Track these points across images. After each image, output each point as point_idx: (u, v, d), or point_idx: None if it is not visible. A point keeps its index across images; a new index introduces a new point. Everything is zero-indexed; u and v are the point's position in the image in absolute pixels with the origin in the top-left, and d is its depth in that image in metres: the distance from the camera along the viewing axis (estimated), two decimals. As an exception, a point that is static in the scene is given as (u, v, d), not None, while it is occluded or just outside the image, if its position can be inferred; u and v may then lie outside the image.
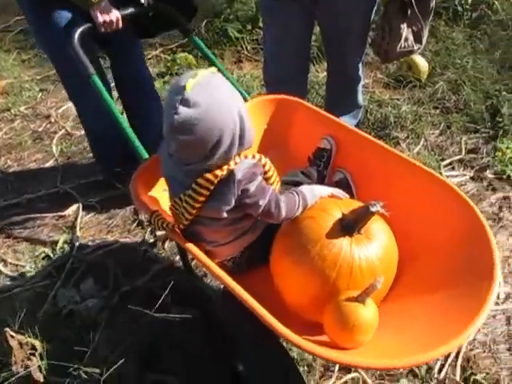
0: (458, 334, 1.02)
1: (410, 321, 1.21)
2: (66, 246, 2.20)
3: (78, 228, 2.27)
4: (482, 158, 2.54)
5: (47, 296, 1.97)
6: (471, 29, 3.58)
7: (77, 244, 2.19)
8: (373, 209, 1.16)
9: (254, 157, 1.23)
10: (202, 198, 1.20)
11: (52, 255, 2.16)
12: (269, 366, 1.36)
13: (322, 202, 1.32)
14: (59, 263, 2.11)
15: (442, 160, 2.54)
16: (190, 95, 1.08)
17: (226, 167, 1.17)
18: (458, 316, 1.10)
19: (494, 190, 2.35)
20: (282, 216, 1.25)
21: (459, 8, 3.62)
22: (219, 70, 1.84)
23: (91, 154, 2.60)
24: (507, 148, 2.49)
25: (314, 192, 1.33)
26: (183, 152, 1.18)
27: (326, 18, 2.05)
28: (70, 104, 3.23)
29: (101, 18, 1.67)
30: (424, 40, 2.13)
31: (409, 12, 2.00)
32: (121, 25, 1.75)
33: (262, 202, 1.22)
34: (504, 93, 2.83)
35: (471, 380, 1.58)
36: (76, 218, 2.34)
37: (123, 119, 1.60)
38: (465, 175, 2.45)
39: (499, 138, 2.59)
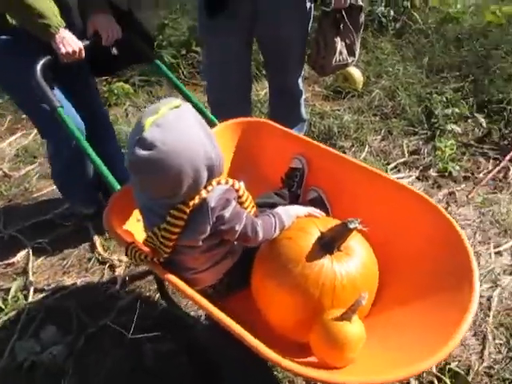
0: (447, 342, 1.04)
1: (395, 333, 1.23)
2: (19, 293, 2.06)
3: (30, 273, 2.14)
4: (424, 158, 2.67)
5: (3, 351, 1.83)
6: (397, 38, 3.79)
7: (31, 290, 2.06)
8: (351, 226, 1.17)
9: (226, 182, 1.22)
10: (177, 230, 1.17)
11: (4, 306, 2.01)
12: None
13: (299, 221, 1.32)
14: (13, 314, 1.98)
15: (388, 164, 2.64)
16: (146, 135, 1.05)
17: (197, 196, 1.15)
18: (443, 322, 1.12)
19: (440, 187, 2.47)
20: (260, 239, 1.24)
21: (383, 20, 3.82)
22: (185, 95, 1.84)
23: (35, 195, 2.48)
24: (445, 146, 2.63)
25: (290, 212, 1.32)
26: (148, 189, 1.16)
27: (266, 33, 2.08)
28: (5, 144, 3.10)
29: (63, 48, 1.61)
30: (357, 53, 2.22)
31: (341, 26, 2.08)
32: (83, 55, 1.69)
33: (238, 227, 1.20)
34: (435, 95, 3.00)
35: (446, 369, 1.63)
36: (27, 264, 2.20)
37: (92, 151, 1.55)
38: (410, 176, 2.55)
39: (437, 137, 2.74)
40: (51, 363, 1.74)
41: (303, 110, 2.49)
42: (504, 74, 3.02)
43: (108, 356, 1.79)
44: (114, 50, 1.81)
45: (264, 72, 3.17)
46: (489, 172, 2.51)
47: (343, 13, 2.03)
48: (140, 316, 1.91)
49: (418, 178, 2.54)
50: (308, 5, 2.03)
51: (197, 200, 1.15)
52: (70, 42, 1.62)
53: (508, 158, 2.57)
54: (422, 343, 1.11)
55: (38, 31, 1.61)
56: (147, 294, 2.02)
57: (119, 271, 2.14)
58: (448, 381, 1.58)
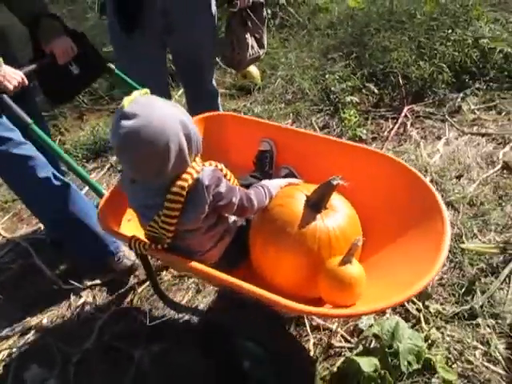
0: (430, 270, 1.23)
1: (387, 269, 1.42)
2: (-13, 344, 1.97)
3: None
4: (334, 130, 2.97)
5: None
6: (279, 33, 4.12)
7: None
8: (334, 182, 1.32)
9: (210, 164, 1.33)
10: (176, 213, 1.26)
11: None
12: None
13: (284, 190, 1.47)
14: (-14, 365, 1.89)
15: (305, 142, 2.90)
16: (127, 110, 1.16)
17: (189, 177, 1.25)
18: (424, 255, 1.31)
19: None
20: (255, 207, 1.37)
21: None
22: None
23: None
24: (349, 116, 2.95)
25: (274, 184, 1.47)
26: (138, 167, 1.22)
27: (179, 43, 2.19)
28: None
29: (9, 85, 1.59)
30: (265, 45, 2.44)
31: (249, 23, 2.29)
32: (26, 82, 1.68)
33: (235, 200, 1.33)
34: (328, 75, 3.33)
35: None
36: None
37: (71, 159, 1.60)
38: (328, 148, 2.83)
39: (340, 110, 3.05)
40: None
41: (221, 109, 2.65)
42: (379, 47, 3.44)
43: (104, 376, 1.79)
44: (75, 69, 1.86)
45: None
46: (391, 130, 2.88)
47: (248, 11, 2.23)
48: (121, 328, 1.96)
49: (334, 148, 2.83)
50: (214, 9, 2.20)
51: (190, 181, 1.25)
52: (12, 76, 1.61)
53: (403, 115, 2.96)
54: (412, 272, 1.29)
55: None
56: (122, 307, 2.05)
57: (85, 294, 2.13)
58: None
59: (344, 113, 3.01)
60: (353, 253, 1.28)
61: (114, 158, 3.05)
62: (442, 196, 2.28)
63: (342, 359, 1.70)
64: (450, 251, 2.00)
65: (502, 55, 3.16)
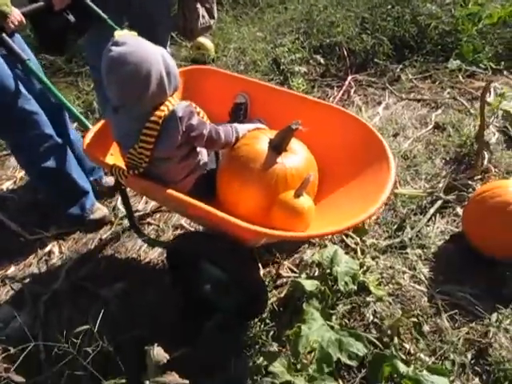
0: (376, 200, 1.45)
1: (336, 207, 1.62)
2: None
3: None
4: (284, 97, 3.16)
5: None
6: (232, 10, 4.26)
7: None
8: (293, 126, 1.50)
9: (186, 101, 1.51)
10: (152, 139, 1.43)
11: None
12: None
13: (252, 133, 1.65)
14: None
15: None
16: (119, 39, 1.39)
17: (166, 108, 1.43)
18: (373, 189, 1.52)
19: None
20: (222, 140, 1.54)
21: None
22: None
23: None
24: (298, 84, 3.16)
25: (242, 127, 1.65)
26: (122, 88, 1.40)
27: (136, 17, 2.30)
28: None
29: (11, 25, 1.69)
30: (215, 15, 2.60)
31: None
32: (24, 22, 1.76)
33: (206, 132, 1.50)
34: (277, 48, 3.52)
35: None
36: None
37: (62, 95, 1.73)
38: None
39: (289, 79, 3.25)
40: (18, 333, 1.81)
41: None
42: (326, 22, 3.65)
43: (72, 312, 1.92)
44: (71, 17, 1.90)
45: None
46: (336, 96, 3.10)
47: None
48: (87, 271, 2.09)
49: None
50: None
51: (166, 111, 1.43)
52: (15, 16, 1.69)
53: (347, 83, 3.20)
54: (359, 208, 1.47)
55: None
56: (88, 251, 2.18)
57: (52, 244, 2.25)
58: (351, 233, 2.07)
59: (292, 81, 3.20)
60: (304, 186, 1.47)
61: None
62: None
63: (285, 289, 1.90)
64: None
65: (437, 31, 3.45)
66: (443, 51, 3.38)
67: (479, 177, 2.30)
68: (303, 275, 1.88)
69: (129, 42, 1.38)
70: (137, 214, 2.34)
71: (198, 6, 2.45)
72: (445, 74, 3.20)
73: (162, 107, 1.44)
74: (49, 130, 2.04)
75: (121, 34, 1.43)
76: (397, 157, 2.49)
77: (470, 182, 2.26)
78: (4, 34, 1.67)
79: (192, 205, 1.43)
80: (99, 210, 2.30)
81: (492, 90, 2.96)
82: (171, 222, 2.29)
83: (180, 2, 2.44)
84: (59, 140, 2.10)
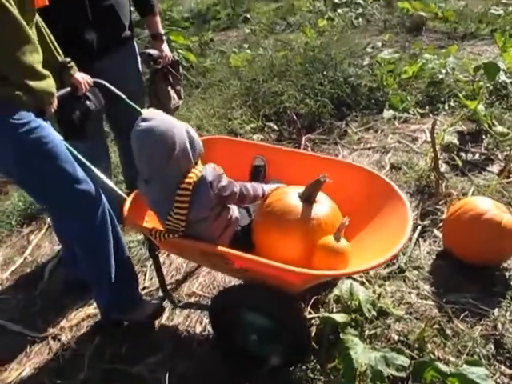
0: (398, 243, 1.63)
1: (364, 244, 1.81)
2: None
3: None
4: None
5: None
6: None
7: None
8: (322, 179, 1.68)
9: (210, 165, 1.69)
10: (185, 205, 1.59)
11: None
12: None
13: (279, 190, 1.82)
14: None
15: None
16: (145, 115, 1.59)
17: (194, 175, 1.60)
18: (395, 225, 1.74)
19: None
20: (251, 195, 1.72)
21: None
22: None
23: None
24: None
25: (266, 186, 1.83)
26: (151, 158, 1.57)
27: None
28: None
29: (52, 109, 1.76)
30: (182, 96, 2.87)
31: (170, 78, 2.70)
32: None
33: (236, 190, 1.68)
34: (230, 122, 3.84)
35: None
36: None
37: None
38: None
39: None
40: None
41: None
42: (269, 93, 4.06)
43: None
44: (92, 104, 1.97)
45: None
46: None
47: (169, 67, 2.66)
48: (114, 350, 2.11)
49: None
50: (140, 68, 2.60)
51: (195, 178, 1.60)
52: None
53: (302, 143, 3.54)
54: (385, 243, 1.66)
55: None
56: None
57: (65, 336, 2.24)
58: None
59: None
60: (341, 230, 1.67)
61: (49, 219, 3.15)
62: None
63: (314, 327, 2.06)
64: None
65: (366, 89, 3.97)
66: (376, 104, 3.89)
67: (443, 201, 2.66)
68: (325, 312, 2.06)
69: (155, 117, 1.58)
70: (145, 291, 2.42)
71: (170, 88, 2.71)
72: (383, 123, 3.67)
73: (189, 174, 1.61)
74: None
75: (147, 112, 1.63)
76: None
77: (437, 207, 2.62)
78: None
79: (245, 258, 1.59)
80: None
81: (425, 129, 3.46)
82: (183, 292, 2.39)
83: (152, 84, 2.69)
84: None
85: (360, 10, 6.96)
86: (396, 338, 1.95)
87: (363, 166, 2.13)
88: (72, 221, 1.88)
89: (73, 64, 1.92)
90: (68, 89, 1.91)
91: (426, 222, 2.54)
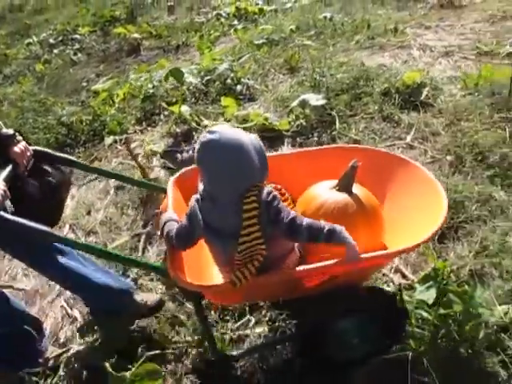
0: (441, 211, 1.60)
1: (403, 229, 1.75)
2: None
3: None
4: None
5: None
6: None
7: None
8: (355, 165, 1.66)
9: (270, 185, 1.60)
10: (255, 220, 1.43)
11: None
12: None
13: (309, 196, 1.76)
14: None
15: None
16: (211, 128, 1.50)
17: (257, 189, 1.46)
18: (430, 207, 1.67)
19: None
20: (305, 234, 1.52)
21: None
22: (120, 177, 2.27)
23: None
24: None
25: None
26: (216, 173, 1.45)
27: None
28: None
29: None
30: None
31: None
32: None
33: (291, 215, 1.48)
34: None
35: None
36: None
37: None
38: None
39: None
40: None
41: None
42: None
43: None
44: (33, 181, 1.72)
45: None
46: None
47: None
48: None
49: None
50: None
51: (255, 198, 1.44)
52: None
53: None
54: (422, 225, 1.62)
55: None
56: None
57: None
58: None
59: None
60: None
61: None
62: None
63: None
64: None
65: (84, 123, 4.02)
66: (97, 134, 3.95)
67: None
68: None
69: (220, 130, 1.46)
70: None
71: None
72: (105, 150, 3.75)
73: (253, 188, 1.46)
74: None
75: (214, 124, 1.48)
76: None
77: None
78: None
79: (330, 266, 1.49)
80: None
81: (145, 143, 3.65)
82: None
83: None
84: None
85: (77, 46, 7.00)
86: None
87: (375, 148, 2.16)
88: None
89: None
90: (8, 166, 1.65)
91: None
